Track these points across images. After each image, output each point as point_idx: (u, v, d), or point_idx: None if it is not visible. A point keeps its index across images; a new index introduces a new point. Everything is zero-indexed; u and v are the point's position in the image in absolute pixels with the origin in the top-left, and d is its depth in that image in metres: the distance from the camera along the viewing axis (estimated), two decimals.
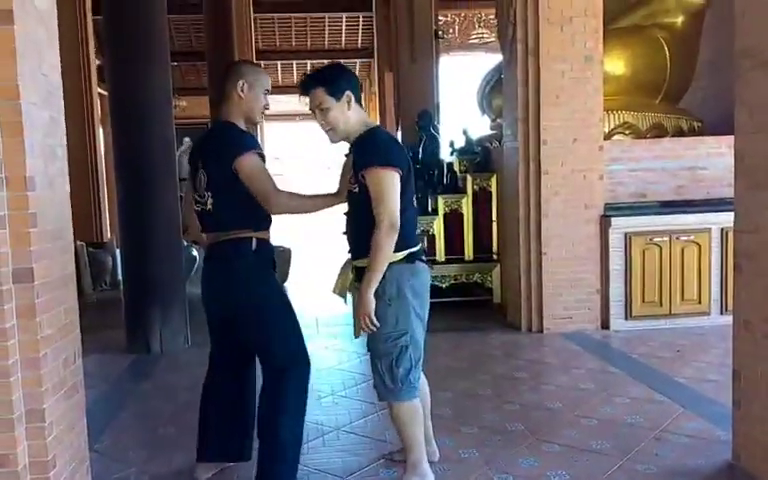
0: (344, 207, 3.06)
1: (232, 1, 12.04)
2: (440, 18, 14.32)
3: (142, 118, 5.60)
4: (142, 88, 5.58)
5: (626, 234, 5.83)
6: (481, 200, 7.05)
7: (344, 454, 3.48)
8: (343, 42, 19.01)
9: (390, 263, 2.79)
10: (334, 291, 3.09)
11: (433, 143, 7.79)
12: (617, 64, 6.93)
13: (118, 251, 6.80)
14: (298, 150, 26.17)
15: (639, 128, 6.82)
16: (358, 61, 19.08)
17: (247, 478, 3.13)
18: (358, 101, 2.90)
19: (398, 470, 3.19)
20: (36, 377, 2.35)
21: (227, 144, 2.91)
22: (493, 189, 7.01)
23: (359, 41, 18.90)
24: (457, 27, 17.16)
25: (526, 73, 5.79)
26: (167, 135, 5.80)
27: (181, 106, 15.70)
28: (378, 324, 2.81)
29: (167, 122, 5.81)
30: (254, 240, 2.95)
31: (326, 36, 18.78)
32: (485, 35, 16.55)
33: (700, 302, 5.91)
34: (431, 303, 3.03)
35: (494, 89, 7.97)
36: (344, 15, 17.83)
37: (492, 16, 12.61)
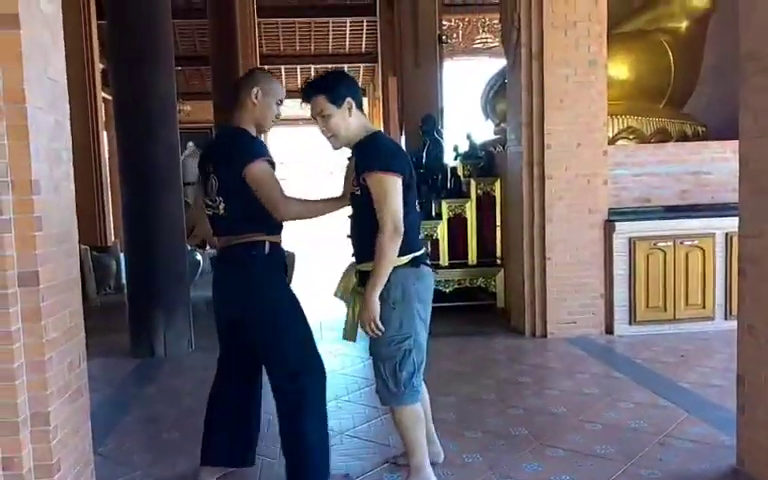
0: (348, 210, 3.07)
1: (236, 6, 12.07)
2: (444, 23, 14.33)
3: (146, 122, 5.60)
4: (146, 92, 5.59)
5: (630, 239, 5.82)
6: (485, 205, 7.04)
7: (348, 458, 3.47)
8: (347, 47, 19.05)
9: (395, 267, 2.79)
10: (336, 294, 3.09)
11: (437, 148, 7.78)
12: (621, 69, 6.91)
13: (122, 255, 6.81)
14: (300, 155, 26.26)
15: (643, 133, 6.82)
16: (362, 66, 19.13)
17: None
18: (359, 107, 2.91)
19: (402, 474, 3.19)
20: (41, 380, 2.35)
21: (238, 150, 2.91)
22: (497, 194, 7.00)
23: (363, 46, 18.94)
24: (461, 32, 17.18)
25: (530, 77, 5.79)
26: (171, 139, 5.80)
27: (185, 111, 15.74)
28: (383, 328, 2.81)
29: (171, 126, 5.81)
30: (267, 243, 2.95)
31: (330, 41, 18.83)
32: (489, 40, 16.59)
33: (704, 307, 5.89)
34: (434, 307, 3.05)
35: (498, 93, 7.97)
36: (348, 20, 17.86)
37: (496, 21, 12.64)
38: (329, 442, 3.05)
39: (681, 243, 5.83)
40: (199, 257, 8.39)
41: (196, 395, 4.22)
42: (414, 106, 11.24)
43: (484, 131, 8.65)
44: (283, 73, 19.50)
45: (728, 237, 5.73)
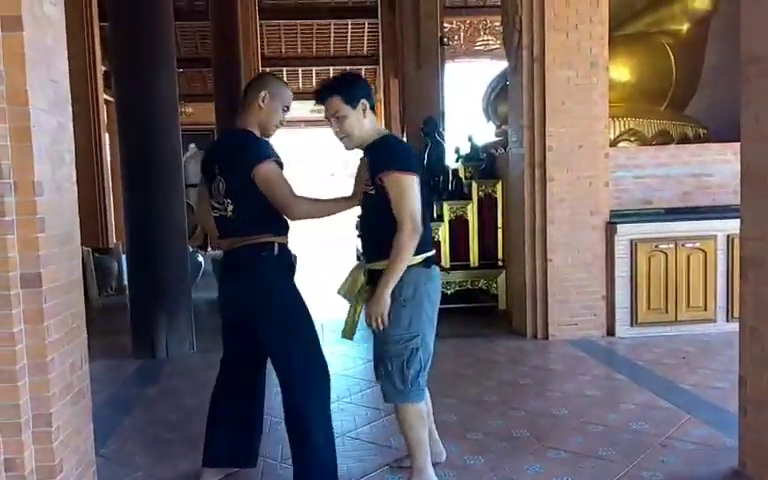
0: (357, 210, 3.09)
1: (238, 8, 12.10)
2: (445, 25, 14.32)
3: (148, 124, 5.61)
4: (148, 94, 5.60)
5: (632, 241, 5.82)
6: (486, 206, 7.04)
7: (349, 460, 3.47)
8: (348, 49, 19.08)
9: (408, 266, 2.82)
10: (339, 292, 3.08)
11: (438, 149, 7.78)
12: (623, 71, 6.92)
13: (124, 256, 6.82)
14: (302, 156, 26.28)
15: (644, 135, 6.82)
16: (363, 68, 19.11)
17: None
18: (372, 109, 2.95)
19: (403, 476, 3.19)
20: (43, 382, 2.36)
21: (246, 152, 2.90)
22: (498, 195, 7.00)
23: (365, 48, 18.96)
24: (462, 34, 17.19)
25: (531, 80, 5.79)
26: (173, 141, 5.82)
27: (187, 112, 15.75)
28: (387, 325, 2.83)
29: (173, 128, 5.82)
30: (276, 245, 2.95)
31: (332, 43, 18.85)
32: (490, 42, 16.60)
33: (706, 309, 5.89)
34: (438, 309, 3.05)
35: (499, 96, 7.98)
36: (350, 22, 17.89)
37: (497, 23, 12.61)
38: (335, 442, 3.04)
39: (682, 245, 5.83)
40: (201, 258, 8.40)
41: (198, 396, 4.22)
42: (416, 108, 11.24)
43: (485, 133, 8.68)
44: (285, 75, 19.53)
45: (730, 239, 5.72)
